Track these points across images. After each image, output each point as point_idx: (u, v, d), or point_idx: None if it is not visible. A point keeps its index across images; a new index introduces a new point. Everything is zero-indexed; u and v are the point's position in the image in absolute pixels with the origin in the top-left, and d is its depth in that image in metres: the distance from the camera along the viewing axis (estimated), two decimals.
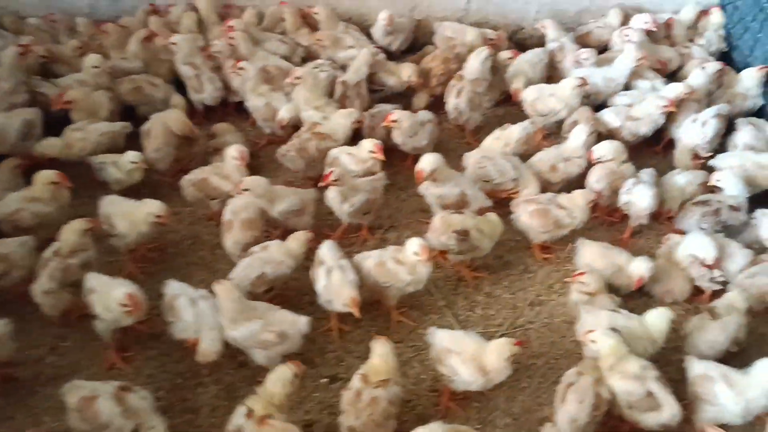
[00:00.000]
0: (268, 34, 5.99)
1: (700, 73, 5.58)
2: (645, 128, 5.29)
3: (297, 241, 4.20)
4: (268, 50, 5.73)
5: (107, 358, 3.95)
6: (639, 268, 4.27)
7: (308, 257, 4.22)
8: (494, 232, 4.48)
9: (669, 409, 3.48)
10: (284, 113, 5.18)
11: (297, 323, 3.75)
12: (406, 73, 5.64)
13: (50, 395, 3.70)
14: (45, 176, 4.34)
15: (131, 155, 4.73)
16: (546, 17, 6.36)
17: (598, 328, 3.68)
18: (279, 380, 3.40)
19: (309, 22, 6.18)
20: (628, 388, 3.51)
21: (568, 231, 4.61)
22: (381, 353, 3.53)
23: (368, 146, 4.76)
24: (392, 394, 3.45)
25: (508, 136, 5.13)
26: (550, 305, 4.46)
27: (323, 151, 4.91)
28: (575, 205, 4.58)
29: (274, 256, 4.12)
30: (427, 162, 4.51)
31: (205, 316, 3.76)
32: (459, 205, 4.58)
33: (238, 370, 3.98)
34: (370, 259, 4.13)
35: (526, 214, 4.58)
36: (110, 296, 3.70)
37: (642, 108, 5.30)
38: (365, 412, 3.39)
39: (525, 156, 5.05)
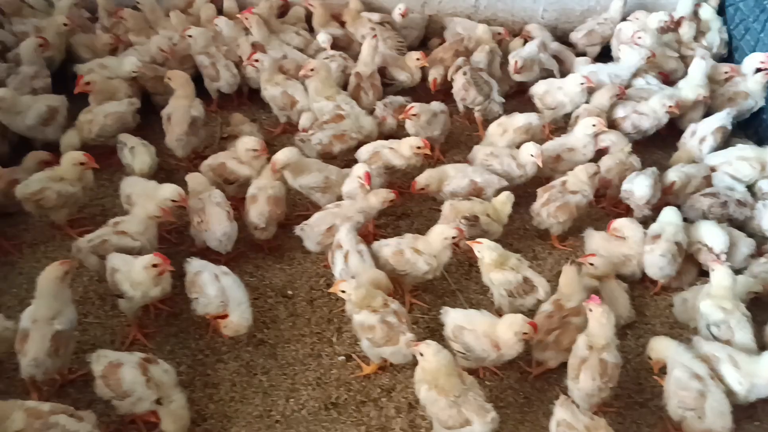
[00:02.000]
0: (285, 26, 6.08)
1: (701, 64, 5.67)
2: (647, 123, 5.43)
3: (377, 196, 4.38)
4: (283, 41, 5.84)
5: (129, 334, 4.03)
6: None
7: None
8: (503, 212, 4.58)
9: (542, 288, 4.06)
10: (305, 121, 5.26)
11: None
12: (412, 60, 5.77)
13: (73, 369, 3.80)
14: (73, 156, 4.41)
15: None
16: (553, 16, 6.59)
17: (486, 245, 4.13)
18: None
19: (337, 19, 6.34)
20: (507, 278, 4.05)
21: (585, 209, 4.77)
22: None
23: (414, 143, 4.83)
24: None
25: (508, 123, 5.24)
26: None
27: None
28: (581, 181, 4.68)
29: (345, 212, 4.34)
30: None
31: (229, 290, 3.84)
32: (473, 194, 4.70)
33: (256, 347, 4.08)
34: (387, 247, 4.22)
35: (550, 215, 4.67)
36: (135, 268, 3.76)
37: (648, 104, 5.44)
38: None
39: None
